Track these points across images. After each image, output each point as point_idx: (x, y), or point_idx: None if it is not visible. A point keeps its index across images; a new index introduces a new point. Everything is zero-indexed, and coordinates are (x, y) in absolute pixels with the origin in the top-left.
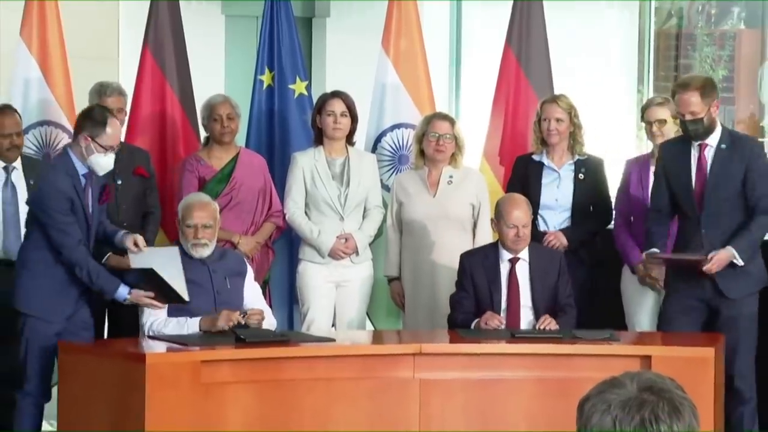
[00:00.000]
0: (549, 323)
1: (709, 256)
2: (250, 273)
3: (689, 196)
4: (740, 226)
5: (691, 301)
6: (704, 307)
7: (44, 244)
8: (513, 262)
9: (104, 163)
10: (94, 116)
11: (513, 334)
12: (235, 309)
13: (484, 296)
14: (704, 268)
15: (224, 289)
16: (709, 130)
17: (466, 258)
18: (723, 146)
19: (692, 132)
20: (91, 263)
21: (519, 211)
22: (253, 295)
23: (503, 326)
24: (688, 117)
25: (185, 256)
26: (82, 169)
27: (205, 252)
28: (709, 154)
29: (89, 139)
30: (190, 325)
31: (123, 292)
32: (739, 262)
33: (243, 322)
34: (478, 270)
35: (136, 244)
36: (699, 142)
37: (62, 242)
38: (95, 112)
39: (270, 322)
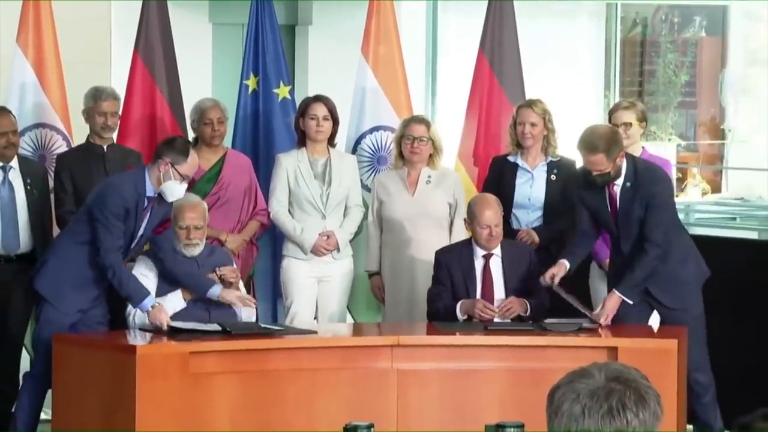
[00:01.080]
0: (511, 309)
1: (596, 311)
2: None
3: (609, 226)
4: (629, 266)
5: (641, 305)
6: (651, 309)
7: (84, 240)
8: (487, 257)
9: (177, 190)
10: (177, 145)
11: (486, 326)
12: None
13: (460, 291)
14: (601, 322)
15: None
16: (616, 176)
17: (442, 254)
18: (627, 184)
19: (600, 183)
20: (124, 270)
21: (491, 212)
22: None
23: (497, 315)
24: (595, 173)
25: (176, 252)
26: (149, 191)
27: (196, 251)
28: (616, 191)
29: (170, 165)
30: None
31: (147, 303)
32: (629, 301)
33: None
34: (453, 265)
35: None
36: None
37: (103, 240)
38: (178, 142)
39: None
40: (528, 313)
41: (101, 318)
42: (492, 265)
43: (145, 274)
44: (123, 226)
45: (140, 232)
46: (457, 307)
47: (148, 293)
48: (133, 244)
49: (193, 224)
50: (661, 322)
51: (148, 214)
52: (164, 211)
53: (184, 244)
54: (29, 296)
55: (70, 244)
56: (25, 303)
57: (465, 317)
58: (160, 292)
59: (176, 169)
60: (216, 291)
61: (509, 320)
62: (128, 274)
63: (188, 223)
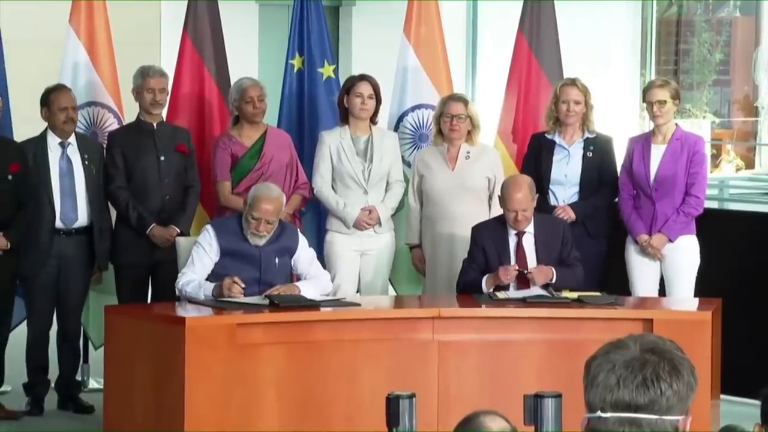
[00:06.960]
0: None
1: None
2: (302, 244)
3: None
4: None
5: None
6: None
7: None
8: (519, 235)
9: None
10: None
11: (525, 299)
12: (278, 283)
13: (495, 267)
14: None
15: (270, 267)
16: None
17: (477, 231)
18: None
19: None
20: None
21: (520, 195)
22: (307, 263)
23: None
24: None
25: (241, 232)
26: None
27: (261, 242)
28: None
29: None
30: (205, 288)
31: None
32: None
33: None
34: (488, 242)
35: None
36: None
37: None
38: None
39: (324, 285)
40: (553, 281)
41: None
42: (525, 242)
43: (206, 248)
44: None
45: None
46: (482, 281)
47: None
48: None
49: (266, 218)
50: None
51: None
52: None
53: (251, 233)
54: (87, 268)
55: None
56: (83, 275)
57: (491, 289)
58: (225, 269)
59: None
60: None
61: (541, 290)
62: None
63: (261, 216)
